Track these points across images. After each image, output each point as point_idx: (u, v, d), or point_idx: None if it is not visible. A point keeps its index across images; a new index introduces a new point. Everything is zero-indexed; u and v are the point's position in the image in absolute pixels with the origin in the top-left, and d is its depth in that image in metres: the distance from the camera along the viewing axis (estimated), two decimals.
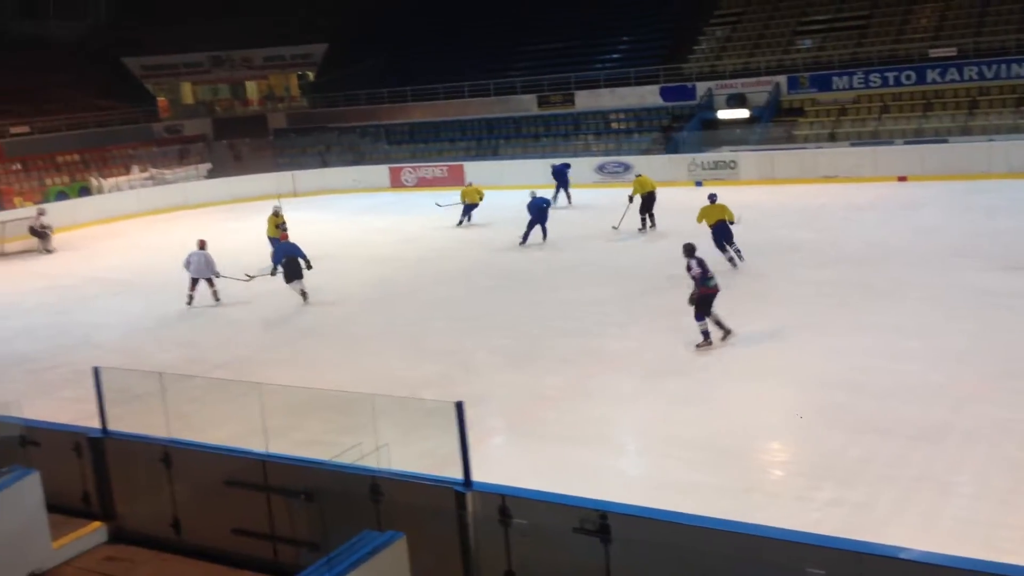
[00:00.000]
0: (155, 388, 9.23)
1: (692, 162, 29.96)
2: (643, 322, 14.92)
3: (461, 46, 40.60)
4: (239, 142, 40.50)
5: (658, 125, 33.82)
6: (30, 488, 7.93)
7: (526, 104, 36.81)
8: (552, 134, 35.51)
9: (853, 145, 28.96)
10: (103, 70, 42.39)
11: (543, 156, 33.86)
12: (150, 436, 8.84)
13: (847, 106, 30.85)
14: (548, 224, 22.38)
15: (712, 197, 18.55)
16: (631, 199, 22.53)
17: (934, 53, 30.30)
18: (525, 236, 22.17)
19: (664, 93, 34.21)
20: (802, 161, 28.58)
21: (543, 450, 10.37)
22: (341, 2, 45.25)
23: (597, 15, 39.07)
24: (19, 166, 35.20)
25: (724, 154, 30.16)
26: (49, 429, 9.50)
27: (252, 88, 48.57)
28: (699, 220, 18.09)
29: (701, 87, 33.38)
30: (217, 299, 18.73)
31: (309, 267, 17.95)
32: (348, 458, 7.46)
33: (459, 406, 7.12)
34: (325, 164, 37.92)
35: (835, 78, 31.35)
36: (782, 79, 32.24)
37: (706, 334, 13.08)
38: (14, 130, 35.91)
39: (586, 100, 35.64)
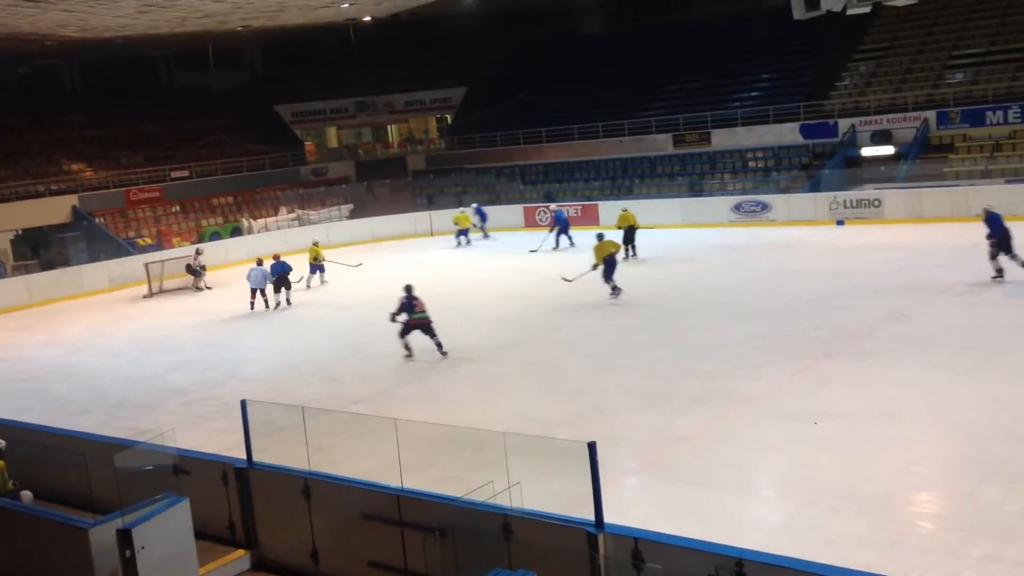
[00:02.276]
0: (297, 421, 9.55)
1: (834, 200, 29.07)
2: (777, 364, 14.48)
3: (596, 87, 40.86)
4: (379, 183, 41.84)
5: (798, 163, 33.02)
6: (181, 515, 8.31)
7: (661, 144, 36.63)
8: (688, 173, 35.17)
9: (1008, 182, 27.44)
10: (257, 117, 44.73)
11: (679, 196, 33.55)
12: (292, 468, 9.14)
13: (1002, 141, 29.33)
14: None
15: (600, 236, 21.24)
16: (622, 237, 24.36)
17: None
18: (556, 242, 28.70)
19: (804, 130, 33.42)
20: (953, 199, 27.29)
21: (678, 493, 10.15)
22: (479, 47, 46.41)
23: (735, 53, 38.66)
24: (178, 208, 37.42)
25: (868, 192, 29.13)
26: (199, 458, 9.94)
27: (393, 131, 50.22)
28: (598, 260, 20.51)
29: (844, 124, 32.42)
30: (267, 306, 23.39)
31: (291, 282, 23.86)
32: (481, 496, 7.50)
33: (592, 446, 7.08)
34: (461, 204, 38.68)
35: (989, 112, 29.89)
36: (931, 114, 30.97)
37: (407, 347, 16.79)
38: (175, 174, 38.22)
39: (723, 139, 35.17)
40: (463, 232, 32.72)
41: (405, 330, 16.78)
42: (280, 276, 23.49)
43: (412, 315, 16.55)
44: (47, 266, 31.51)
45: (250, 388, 15.70)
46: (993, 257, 18.40)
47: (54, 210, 34.06)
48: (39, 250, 33.01)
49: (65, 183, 35.75)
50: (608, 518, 7.14)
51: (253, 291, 23.32)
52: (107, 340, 22.12)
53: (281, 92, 45.80)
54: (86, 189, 35.67)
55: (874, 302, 17.93)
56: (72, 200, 34.73)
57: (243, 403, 9.59)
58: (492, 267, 27.82)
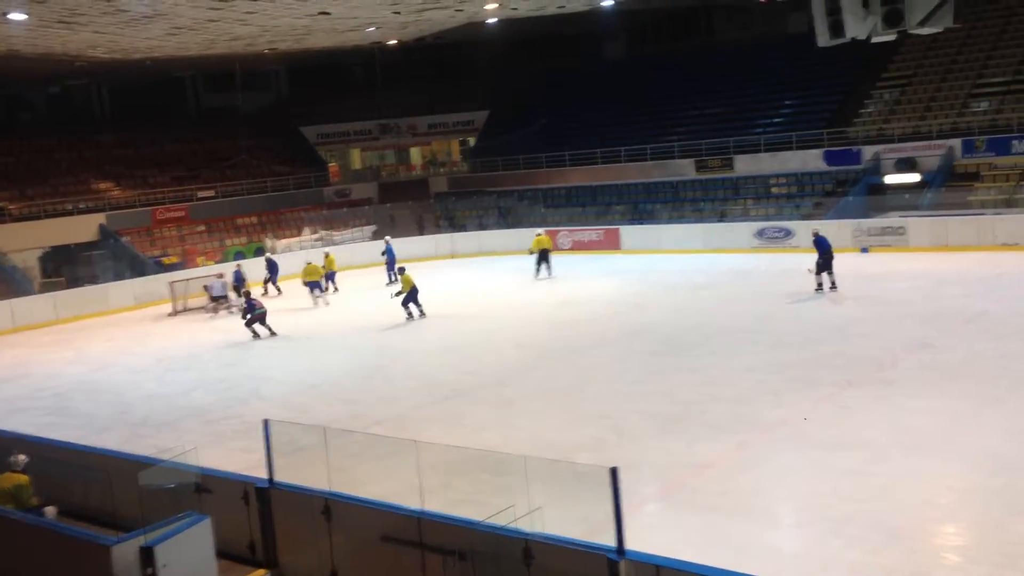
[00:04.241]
0: (318, 442, 9.55)
1: (857, 228, 28.93)
2: (801, 391, 14.38)
3: (619, 111, 40.99)
4: (401, 205, 42.05)
5: (821, 190, 32.93)
6: (203, 533, 8.31)
7: (683, 168, 36.65)
8: (710, 198, 35.15)
9: None
10: (282, 138, 45.17)
11: (701, 221, 33.53)
12: (312, 488, 9.13)
13: None
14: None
15: (402, 270, 24.33)
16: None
17: None
18: (390, 277, 29.72)
19: (828, 157, 33.35)
20: (979, 228, 27.10)
21: (699, 520, 10.07)
22: (502, 71, 46.70)
23: (758, 79, 38.70)
24: (203, 227, 37.75)
25: (892, 220, 28.98)
26: (221, 477, 9.94)
27: (416, 153, 50.53)
28: (405, 289, 23.37)
29: (868, 151, 32.34)
30: (231, 311, 26.78)
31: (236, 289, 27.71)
32: (501, 520, 7.47)
33: (614, 472, 7.04)
34: (483, 227, 38.84)
35: (1015, 141, 29.70)
36: (956, 143, 30.83)
37: (256, 333, 22.68)
38: (201, 194, 38.60)
39: (746, 164, 35.14)
40: (315, 284, 27.88)
41: (251, 321, 22.75)
42: (237, 286, 27.64)
43: (255, 312, 22.80)
44: (74, 283, 31.82)
45: (271, 408, 15.74)
46: (818, 273, 22.21)
47: (81, 228, 34.46)
48: (66, 268, 33.35)
49: (93, 201, 36.20)
50: (628, 544, 7.10)
51: (214, 299, 27.24)
52: (131, 358, 22.28)
53: (306, 113, 46.24)
54: (113, 208, 36.08)
55: (899, 330, 17.80)
56: (99, 219, 35.15)
57: (265, 423, 9.62)
58: (513, 290, 27.85)
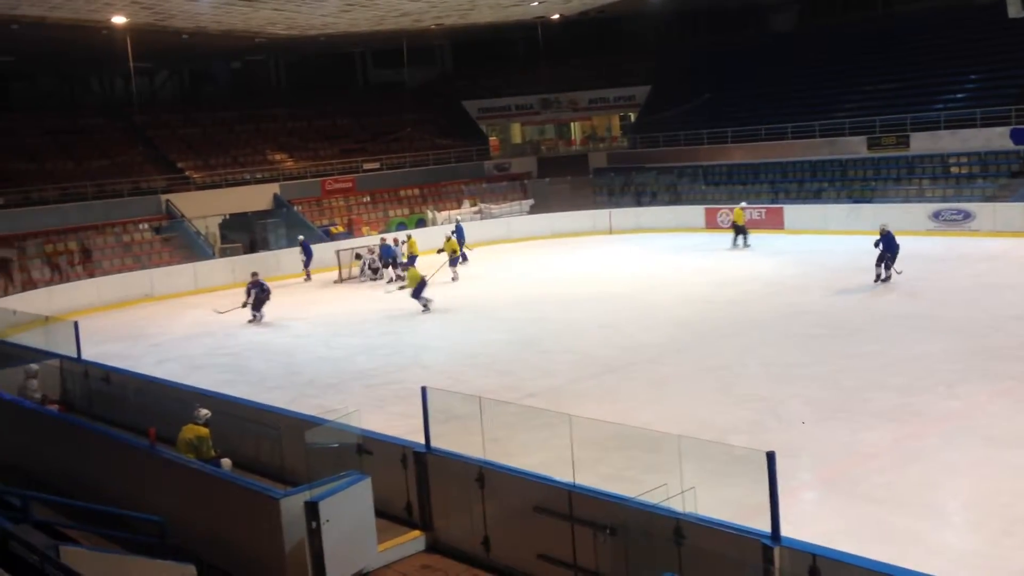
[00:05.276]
0: (473, 411, 9.76)
1: None
2: (976, 383, 13.58)
3: (786, 86, 39.56)
4: (559, 180, 42.11)
5: (1007, 170, 30.78)
6: (363, 492, 8.69)
7: (854, 146, 35.01)
8: (883, 177, 33.48)
9: None
10: (445, 112, 46.06)
11: (871, 201, 32.05)
12: (467, 456, 9.36)
13: None
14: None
15: (412, 261, 26.01)
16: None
17: None
18: (462, 256, 29.77)
19: (1016, 136, 31.05)
20: None
21: (860, 511, 9.72)
22: (665, 45, 45.90)
23: (940, 52, 36.44)
24: (368, 199, 39.09)
25: None
26: (381, 440, 10.34)
27: (576, 128, 50.45)
28: (412, 284, 23.47)
29: None
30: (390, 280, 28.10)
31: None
32: (654, 497, 7.45)
33: (770, 456, 6.90)
34: (641, 203, 38.46)
35: None
36: None
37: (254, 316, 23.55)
38: (367, 166, 39.94)
39: (922, 142, 33.21)
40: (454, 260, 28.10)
41: (256, 304, 23.57)
42: (385, 258, 28.64)
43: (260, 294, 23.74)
44: (249, 249, 33.64)
45: (429, 376, 16.19)
46: (887, 267, 21.97)
47: (257, 197, 36.31)
48: (242, 234, 35.28)
49: (268, 172, 38.06)
50: (784, 532, 6.94)
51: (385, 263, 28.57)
52: (300, 321, 23.39)
53: (469, 88, 46.92)
54: (286, 178, 37.81)
55: None
56: (274, 188, 36.93)
57: (423, 390, 9.90)
58: (670, 268, 27.50)
